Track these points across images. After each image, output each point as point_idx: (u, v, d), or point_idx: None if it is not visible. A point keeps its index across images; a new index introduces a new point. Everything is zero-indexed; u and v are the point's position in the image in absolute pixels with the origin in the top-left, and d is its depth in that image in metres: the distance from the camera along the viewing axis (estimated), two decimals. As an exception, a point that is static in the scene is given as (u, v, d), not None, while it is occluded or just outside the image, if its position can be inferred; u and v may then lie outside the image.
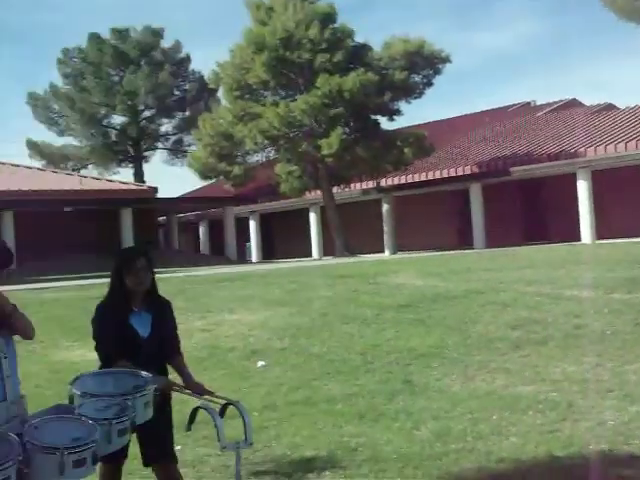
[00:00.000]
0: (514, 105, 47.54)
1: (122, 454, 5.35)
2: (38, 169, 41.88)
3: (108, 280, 5.58)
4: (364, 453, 7.23)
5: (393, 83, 32.96)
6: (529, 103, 47.86)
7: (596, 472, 6.30)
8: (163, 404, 5.19)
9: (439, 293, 15.36)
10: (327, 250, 36.82)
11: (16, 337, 4.50)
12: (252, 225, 42.35)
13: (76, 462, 3.92)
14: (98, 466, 5.58)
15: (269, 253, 41.82)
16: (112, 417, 4.24)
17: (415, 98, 34.64)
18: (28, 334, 4.50)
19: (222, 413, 4.83)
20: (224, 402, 5.05)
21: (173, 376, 5.58)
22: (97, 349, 5.49)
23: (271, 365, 11.00)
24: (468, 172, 35.18)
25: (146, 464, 5.61)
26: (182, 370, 5.62)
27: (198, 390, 5.43)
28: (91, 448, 3.97)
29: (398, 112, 34.64)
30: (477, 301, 14.32)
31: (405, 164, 34.27)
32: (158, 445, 5.30)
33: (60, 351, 12.21)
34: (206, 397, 5.32)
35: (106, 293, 5.56)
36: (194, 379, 5.56)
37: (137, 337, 5.40)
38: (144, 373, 4.77)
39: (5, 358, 4.32)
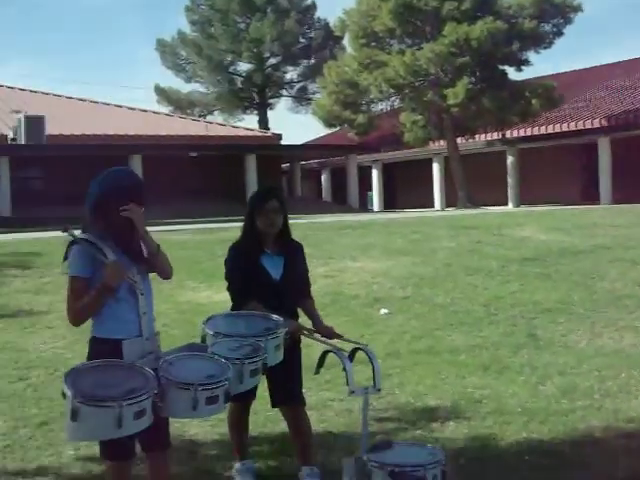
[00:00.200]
0: (648, 57, 45.82)
1: (252, 394, 5.45)
2: (166, 115, 42.58)
3: (235, 224, 5.65)
4: (488, 405, 7.18)
5: (522, 32, 32.13)
6: (664, 55, 46.10)
7: None
8: (293, 347, 5.24)
9: (565, 248, 15.06)
10: (450, 201, 36.48)
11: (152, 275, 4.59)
12: (374, 174, 42.23)
13: (209, 399, 4.01)
14: (229, 405, 5.72)
15: (391, 203, 41.68)
16: (244, 357, 4.29)
17: (544, 48, 33.71)
18: (167, 273, 4.58)
19: (351, 358, 4.84)
20: (353, 347, 5.06)
21: (303, 319, 5.62)
22: (229, 289, 5.57)
23: (394, 313, 10.99)
24: (597, 125, 34.20)
25: (274, 405, 5.69)
26: (312, 314, 5.65)
27: (328, 333, 5.46)
28: (224, 386, 4.05)
29: (526, 62, 33.80)
30: (604, 257, 14.00)
31: (532, 116, 33.50)
32: (287, 387, 5.37)
33: (186, 292, 12.44)
34: (335, 341, 5.34)
35: (240, 235, 5.61)
36: (324, 323, 5.59)
37: (269, 279, 5.44)
38: (275, 316, 4.81)
39: (142, 295, 4.41)
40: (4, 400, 7.59)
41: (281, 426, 6.18)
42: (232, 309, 5.46)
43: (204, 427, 6.79)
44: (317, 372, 5.21)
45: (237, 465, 5.64)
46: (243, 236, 5.53)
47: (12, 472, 5.94)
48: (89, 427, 3.83)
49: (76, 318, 4.38)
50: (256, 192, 5.91)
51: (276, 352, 4.58)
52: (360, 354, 5.01)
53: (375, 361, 4.75)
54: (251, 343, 4.41)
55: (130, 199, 4.36)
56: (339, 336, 5.41)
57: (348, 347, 5.11)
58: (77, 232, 4.41)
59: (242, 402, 5.57)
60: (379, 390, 4.76)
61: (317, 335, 5.43)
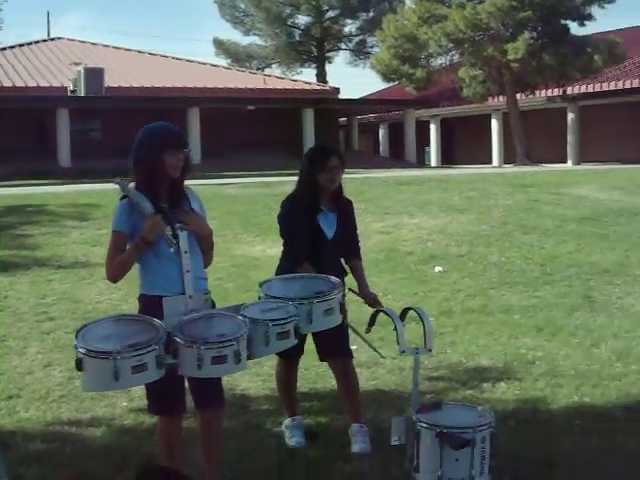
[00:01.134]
0: None
1: (299, 351, 5.49)
2: (224, 67, 42.51)
3: (291, 178, 5.64)
4: (541, 367, 7.13)
5: (586, -15, 31.52)
6: None
7: None
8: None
9: (624, 208, 14.84)
10: (508, 158, 36.05)
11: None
12: (432, 129, 41.87)
13: (215, 358, 3.96)
14: (276, 361, 5.76)
15: (448, 158, 41.34)
16: (271, 319, 4.24)
17: (609, 2, 32.98)
18: (207, 261, 4.64)
19: (403, 317, 4.82)
20: (404, 306, 5.05)
21: (348, 279, 5.59)
22: (286, 246, 5.57)
23: (449, 271, 10.94)
24: (662, 82, 33.51)
25: (322, 359, 5.72)
26: (359, 275, 5.68)
27: (370, 299, 5.57)
28: (231, 346, 3.98)
29: (590, 17, 33.04)
30: (665, 218, 13.78)
31: (594, 72, 32.84)
32: (334, 341, 5.35)
33: (241, 245, 12.50)
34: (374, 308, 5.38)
35: (294, 190, 5.59)
36: (368, 288, 5.65)
37: (323, 237, 5.46)
38: (333, 278, 4.78)
39: (185, 253, 4.43)
40: (60, 350, 7.71)
41: (331, 383, 6.20)
42: (282, 267, 5.45)
43: (256, 382, 6.85)
44: (368, 330, 5.21)
45: (287, 421, 5.69)
46: (301, 192, 5.52)
47: (66, 422, 6.06)
48: (93, 378, 3.91)
49: (113, 273, 4.44)
50: (316, 148, 5.89)
51: (325, 316, 4.48)
52: (412, 313, 4.99)
53: (427, 321, 4.71)
54: (287, 306, 4.36)
55: (161, 151, 4.36)
56: (379, 305, 5.50)
57: (394, 305, 5.10)
58: (131, 185, 4.45)
59: (289, 359, 5.61)
60: (430, 350, 4.73)
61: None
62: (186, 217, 4.44)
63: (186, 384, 4.52)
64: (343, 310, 4.66)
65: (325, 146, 5.83)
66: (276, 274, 5.45)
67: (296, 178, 5.67)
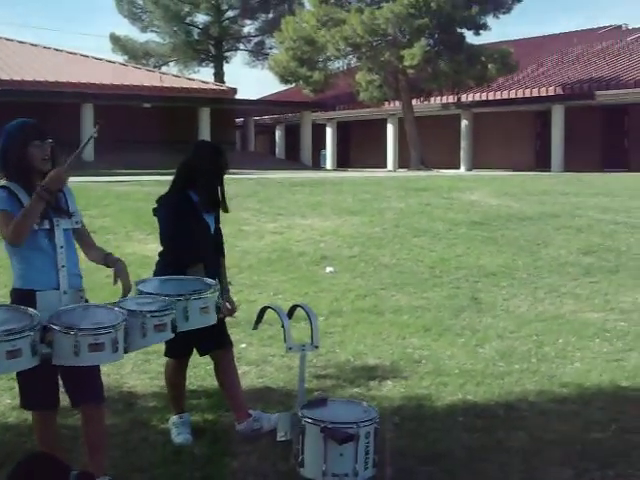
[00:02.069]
0: (604, 28, 46.03)
1: (188, 351, 5.53)
2: (120, 64, 41.98)
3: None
4: (427, 366, 7.26)
5: (482, -4, 32.17)
6: (620, 27, 46.20)
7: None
8: None
9: (513, 213, 15.21)
10: (402, 162, 36.52)
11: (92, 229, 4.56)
12: (329, 132, 42.13)
13: (92, 346, 3.94)
14: (166, 360, 5.74)
15: (344, 161, 41.65)
16: (148, 310, 4.24)
17: (503, 13, 33.75)
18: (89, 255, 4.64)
19: (290, 314, 4.86)
20: (293, 303, 5.09)
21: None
22: (170, 248, 5.53)
23: (340, 272, 11.04)
24: (552, 93, 34.39)
25: (202, 354, 5.73)
26: (223, 274, 5.75)
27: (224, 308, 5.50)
28: (109, 334, 3.96)
29: (485, 27, 33.71)
30: (551, 224, 14.17)
31: (488, 80, 33.57)
32: (213, 334, 5.33)
33: (133, 243, 12.37)
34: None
35: (178, 187, 5.56)
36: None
37: (209, 233, 5.50)
38: (209, 280, 4.79)
39: (61, 247, 4.40)
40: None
41: (220, 380, 6.18)
42: (171, 267, 5.34)
43: (143, 379, 6.80)
44: (255, 327, 5.22)
45: (173, 417, 5.66)
46: (202, 187, 5.50)
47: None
48: None
49: (14, 234, 4.30)
50: (211, 147, 5.84)
51: (202, 314, 4.49)
52: (302, 312, 5.03)
53: (313, 318, 4.77)
54: (163, 300, 4.36)
55: (27, 144, 4.38)
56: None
57: (285, 305, 5.13)
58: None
59: (179, 359, 5.63)
60: (317, 347, 4.78)
61: None
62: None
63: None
64: (219, 310, 4.67)
65: (219, 146, 5.83)
66: (155, 275, 5.42)
67: None
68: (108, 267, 4.57)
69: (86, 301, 4.52)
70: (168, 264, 5.43)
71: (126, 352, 4.12)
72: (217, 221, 5.68)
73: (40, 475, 4.20)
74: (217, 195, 5.55)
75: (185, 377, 5.84)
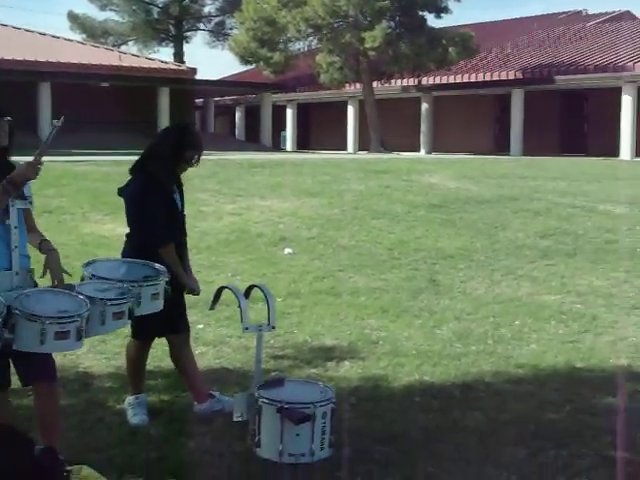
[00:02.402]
0: (564, 13, 46.34)
1: (155, 334, 5.54)
2: (78, 42, 41.49)
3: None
4: (384, 347, 7.28)
5: (443, -21, 32.24)
6: (580, 12, 46.55)
7: (614, 386, 6.30)
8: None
9: (472, 196, 15.29)
10: (362, 145, 36.56)
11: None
12: (289, 114, 42.03)
13: (58, 334, 3.92)
14: (129, 340, 5.70)
15: (304, 143, 41.60)
16: (108, 298, 4.23)
17: (465, -4, 33.88)
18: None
19: (247, 294, 4.84)
20: (250, 283, 5.07)
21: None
22: (144, 228, 5.45)
23: (298, 253, 11.03)
24: (511, 77, 34.56)
25: (159, 336, 5.69)
26: (185, 254, 5.69)
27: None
28: (75, 322, 3.96)
29: (446, 10, 33.80)
30: (509, 207, 14.27)
31: (448, 64, 33.66)
32: (173, 317, 5.32)
33: (90, 224, 12.27)
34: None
35: (152, 167, 5.45)
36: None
37: (179, 213, 5.46)
38: (158, 265, 4.77)
39: (15, 228, 4.34)
40: None
41: (177, 361, 6.15)
42: (141, 250, 5.26)
43: (99, 360, 6.76)
44: (212, 308, 5.18)
45: (129, 398, 5.62)
46: (165, 168, 5.41)
47: None
48: None
49: None
50: (187, 127, 5.78)
51: (153, 300, 4.51)
52: (260, 294, 5.01)
53: (270, 298, 4.75)
54: (120, 287, 4.34)
55: None
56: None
57: (243, 286, 5.11)
58: None
59: (145, 340, 5.59)
60: (273, 327, 4.77)
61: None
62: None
63: None
64: (167, 295, 4.65)
65: (194, 127, 5.82)
66: (123, 257, 5.36)
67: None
68: (41, 253, 4.49)
69: (35, 283, 4.46)
70: (136, 246, 5.36)
71: (84, 337, 4.10)
72: (182, 196, 5.61)
73: (3, 447, 4.14)
74: (172, 172, 5.46)
75: (146, 359, 5.80)
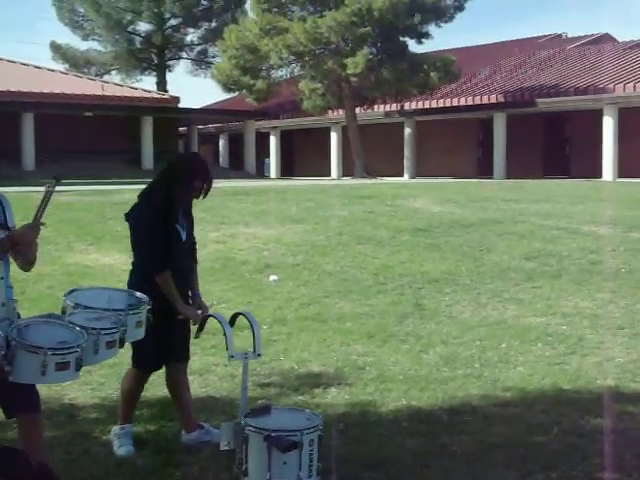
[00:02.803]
0: (545, 36, 46.72)
1: (158, 365, 5.53)
2: (61, 72, 41.54)
3: (128, 186, 5.54)
4: (371, 372, 7.26)
5: (424, 5, 32.28)
6: (560, 35, 46.95)
7: (601, 407, 6.30)
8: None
9: (456, 220, 15.31)
10: (346, 170, 36.63)
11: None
12: (272, 141, 42.13)
13: (59, 365, 3.92)
14: (127, 370, 5.66)
15: (288, 170, 41.69)
16: (101, 328, 4.21)
17: (445, 22, 33.95)
18: (27, 266, 4.52)
19: (232, 322, 4.83)
20: (234, 311, 5.05)
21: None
22: (144, 256, 5.43)
23: (284, 280, 11.01)
24: (493, 101, 34.77)
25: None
26: (195, 281, 5.62)
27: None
28: (75, 353, 3.96)
29: (427, 35, 33.97)
30: (493, 230, 14.28)
31: (430, 89, 33.81)
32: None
33: (74, 254, 12.20)
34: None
35: (157, 197, 5.41)
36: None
37: (181, 241, 5.41)
38: (139, 294, 4.76)
39: (0, 260, 4.32)
40: None
41: (163, 391, 6.12)
42: (140, 275, 5.31)
43: (84, 391, 6.71)
44: (197, 336, 5.19)
45: (115, 428, 5.58)
46: (168, 198, 5.38)
47: None
48: None
49: None
50: (199, 160, 5.79)
51: (137, 328, 4.52)
52: (245, 322, 4.99)
53: (255, 326, 4.74)
54: (110, 316, 4.34)
55: None
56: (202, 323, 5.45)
57: (227, 315, 5.09)
58: None
59: (147, 370, 5.56)
60: (259, 355, 4.76)
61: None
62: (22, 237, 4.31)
63: None
64: (149, 323, 4.63)
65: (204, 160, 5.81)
66: (129, 283, 5.36)
67: (134, 187, 5.56)
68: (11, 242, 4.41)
69: (18, 314, 4.42)
70: (138, 272, 5.38)
71: None
72: (191, 227, 5.59)
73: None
74: (181, 204, 5.45)
75: (143, 389, 5.77)
